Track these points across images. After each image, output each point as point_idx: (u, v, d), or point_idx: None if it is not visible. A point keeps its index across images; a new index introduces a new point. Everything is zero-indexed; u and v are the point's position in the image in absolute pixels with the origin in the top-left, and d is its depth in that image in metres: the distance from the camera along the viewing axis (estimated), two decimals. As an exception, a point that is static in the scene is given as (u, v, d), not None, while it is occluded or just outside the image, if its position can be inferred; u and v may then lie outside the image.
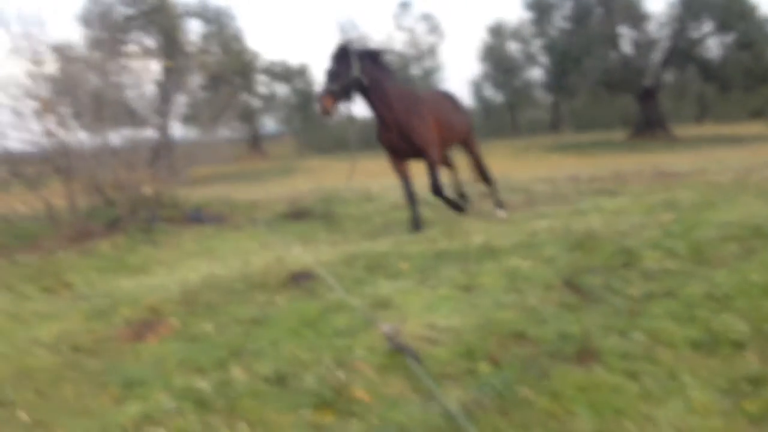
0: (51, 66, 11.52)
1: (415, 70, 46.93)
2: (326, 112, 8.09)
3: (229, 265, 7.56)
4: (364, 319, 4.95)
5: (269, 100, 47.82)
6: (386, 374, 4.05)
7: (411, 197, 8.79)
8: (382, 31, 69.04)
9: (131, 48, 29.29)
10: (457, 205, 9.19)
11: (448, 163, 9.94)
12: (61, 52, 19.79)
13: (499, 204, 9.81)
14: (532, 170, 18.22)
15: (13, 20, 11.10)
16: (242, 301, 5.99)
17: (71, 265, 8.07)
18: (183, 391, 4.07)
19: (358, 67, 8.15)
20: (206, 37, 37.87)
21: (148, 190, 11.50)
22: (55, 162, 10.96)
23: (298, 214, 11.11)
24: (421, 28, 47.68)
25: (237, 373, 4.28)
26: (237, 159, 37.66)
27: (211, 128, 21.55)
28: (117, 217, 10.45)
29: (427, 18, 47.67)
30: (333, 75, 8.07)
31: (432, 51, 47.57)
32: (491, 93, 50.64)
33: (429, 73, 47.33)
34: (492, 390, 3.67)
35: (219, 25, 38.68)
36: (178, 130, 26.21)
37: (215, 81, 32.28)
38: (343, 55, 8.16)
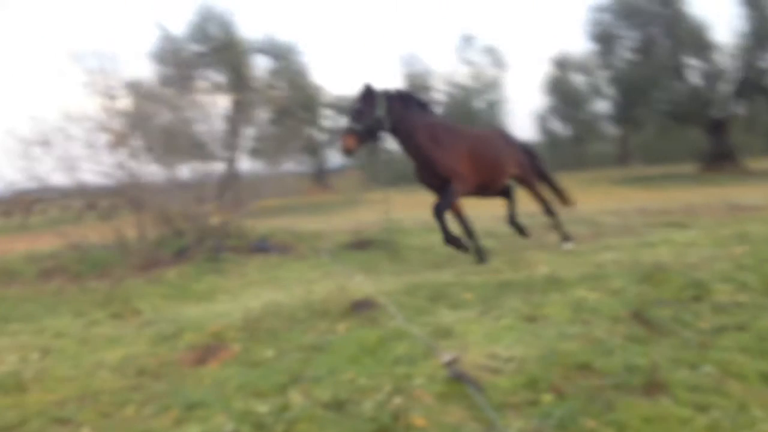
0: (124, 101, 11.90)
1: (478, 103, 46.85)
2: (347, 151, 8.03)
3: (291, 293, 7.61)
4: (425, 347, 4.91)
5: (334, 134, 48.39)
6: (446, 403, 3.99)
7: (469, 232, 8.79)
8: (445, 65, 69.14)
9: (201, 84, 30.08)
10: (457, 241, 8.48)
11: (507, 195, 9.78)
12: (134, 87, 20.47)
13: (566, 237, 9.61)
14: (600, 203, 17.91)
15: (89, 57, 11.48)
16: (303, 328, 6.01)
17: (139, 292, 8.24)
18: (242, 414, 4.08)
19: (384, 107, 8.10)
20: (273, 72, 38.64)
21: (215, 220, 11.71)
22: (127, 194, 11.27)
23: (361, 245, 11.14)
24: (484, 61, 47.64)
25: (296, 398, 4.27)
26: (302, 192, 38.13)
27: (276, 161, 21.94)
28: (185, 247, 10.66)
29: (490, 51, 47.60)
30: (357, 114, 8.03)
31: (495, 84, 47.44)
32: (557, 126, 50.13)
33: (492, 106, 47.17)
34: (555, 421, 3.58)
35: (285, 60, 39.45)
36: (245, 163, 26.82)
37: (281, 115, 32.82)
38: (368, 96, 8.10)
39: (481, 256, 8.67)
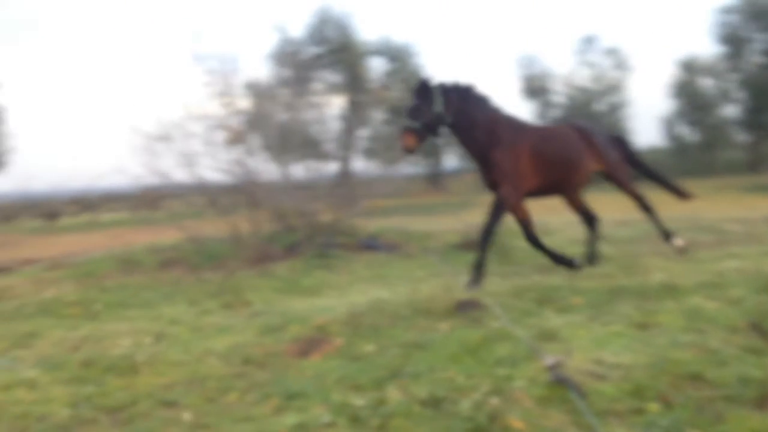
0: (242, 101, 12.26)
1: (599, 106, 45.58)
2: (407, 150, 7.74)
3: (397, 291, 7.62)
4: (528, 349, 4.79)
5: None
6: (546, 406, 3.88)
7: (532, 237, 8.15)
8: (564, 66, 67.72)
9: (317, 85, 30.67)
10: (565, 260, 8.10)
11: (643, 204, 8.93)
12: (253, 88, 21.08)
13: (667, 234, 8.88)
14: (725, 210, 17.06)
15: (210, 58, 11.90)
16: (406, 325, 6.00)
17: (250, 285, 8.46)
18: (339, 407, 4.10)
19: (440, 102, 7.71)
20: (388, 74, 38.96)
21: (326, 218, 11.88)
22: (243, 190, 11.60)
23: (469, 246, 11.01)
24: (606, 63, 46.29)
25: (393, 393, 4.25)
26: (416, 193, 38.19)
27: (390, 162, 22.08)
28: (296, 242, 10.87)
29: (612, 52, 46.22)
30: (413, 111, 7.68)
31: (617, 86, 46.00)
32: (684, 131, 47.98)
33: (614, 109, 45.76)
34: (660, 431, 3.42)
35: (401, 61, 39.70)
36: (358, 162, 27.11)
37: (396, 116, 33.02)
38: (424, 91, 7.73)
39: (562, 261, 8.21)
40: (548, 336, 5.19)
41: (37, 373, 5.09)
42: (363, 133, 31.11)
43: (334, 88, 36.04)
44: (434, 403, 4.07)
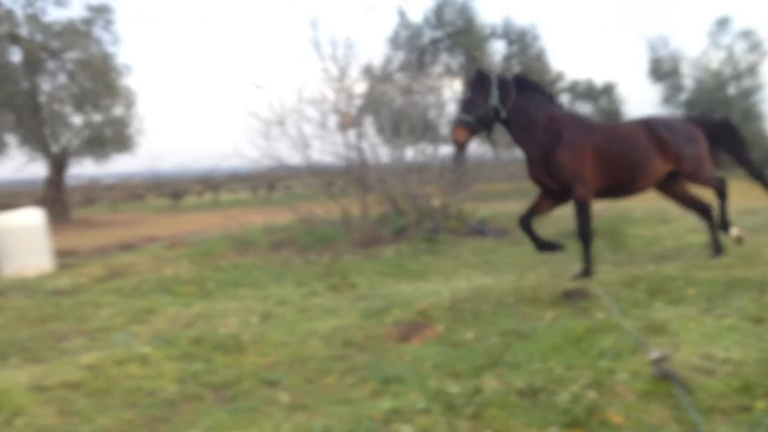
0: (357, 85, 12.36)
1: (731, 90, 43.28)
2: (459, 146, 7.39)
3: (502, 277, 7.53)
4: (634, 342, 4.63)
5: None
6: (648, 401, 3.73)
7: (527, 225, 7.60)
8: (695, 49, 64.69)
9: (435, 69, 30.52)
10: (542, 242, 7.62)
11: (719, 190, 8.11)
12: (370, 72, 21.21)
13: (725, 225, 8.03)
14: None
15: (327, 44, 12.04)
16: (509, 313, 5.93)
17: (357, 268, 8.56)
18: (435, 393, 4.08)
19: (496, 95, 7.21)
20: (509, 57, 38.36)
21: (436, 202, 11.85)
22: (355, 173, 11.73)
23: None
24: (740, 46, 43.83)
25: (490, 382, 4.20)
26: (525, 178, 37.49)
27: (506, 146, 21.75)
28: (404, 226, 10.91)
29: (747, 35, 43.70)
30: (467, 104, 7.21)
31: (752, 70, 43.51)
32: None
33: (747, 94, 43.34)
34: (765, 429, 3.23)
35: (522, 44, 38.97)
36: (473, 146, 26.85)
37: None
38: (480, 83, 7.25)
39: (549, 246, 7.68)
40: (657, 328, 4.99)
41: (149, 349, 5.32)
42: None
43: (452, 72, 35.79)
44: (531, 393, 3.98)
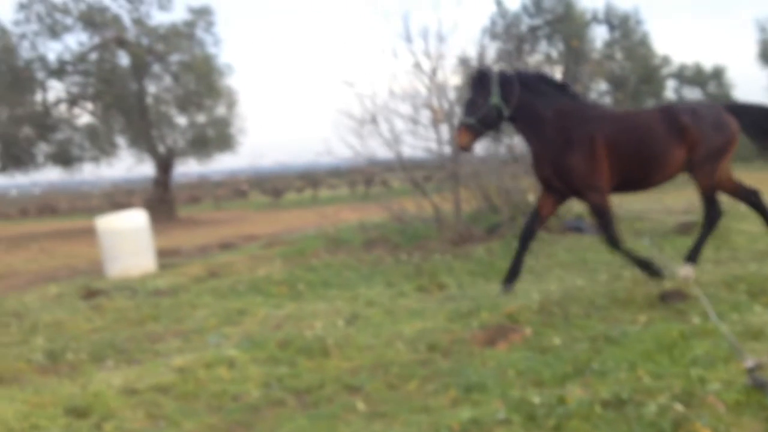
0: (450, 78, 12.23)
1: None
2: (462, 148, 7.13)
3: (596, 278, 7.29)
4: (729, 348, 4.39)
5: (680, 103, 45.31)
6: (740, 413, 3.55)
7: (525, 240, 7.18)
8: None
9: (534, 57, 29.97)
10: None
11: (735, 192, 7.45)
12: (465, 64, 20.94)
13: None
14: None
15: (418, 37, 11.93)
16: (601, 316, 5.75)
17: (447, 267, 8.48)
18: (517, 403, 3.99)
19: (497, 93, 6.82)
20: (610, 43, 37.27)
21: (532, 197, 11.60)
22: (447, 168, 11.61)
23: (686, 228, 10.28)
24: None
25: (575, 391, 4.06)
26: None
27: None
28: (497, 224, 10.73)
29: None
30: (469, 106, 6.90)
31: None
32: None
33: None
34: None
35: (625, 29, 37.79)
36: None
37: (617, 87, 31.60)
38: (480, 82, 6.91)
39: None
40: (755, 333, 4.76)
41: (237, 352, 5.43)
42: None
43: (551, 60, 35.10)
44: (617, 404, 3.84)
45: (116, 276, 10.15)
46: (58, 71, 24.08)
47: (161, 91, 25.09)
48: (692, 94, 45.75)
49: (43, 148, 24.37)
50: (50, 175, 29.50)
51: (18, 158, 23.87)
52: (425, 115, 11.78)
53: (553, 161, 6.86)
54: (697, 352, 4.48)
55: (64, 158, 24.84)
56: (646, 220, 11.78)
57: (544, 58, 35.68)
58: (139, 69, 24.03)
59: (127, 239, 10.46)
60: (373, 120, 11.25)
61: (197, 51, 24.82)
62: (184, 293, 8.34)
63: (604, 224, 6.90)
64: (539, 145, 6.95)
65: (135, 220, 10.83)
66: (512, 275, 7.10)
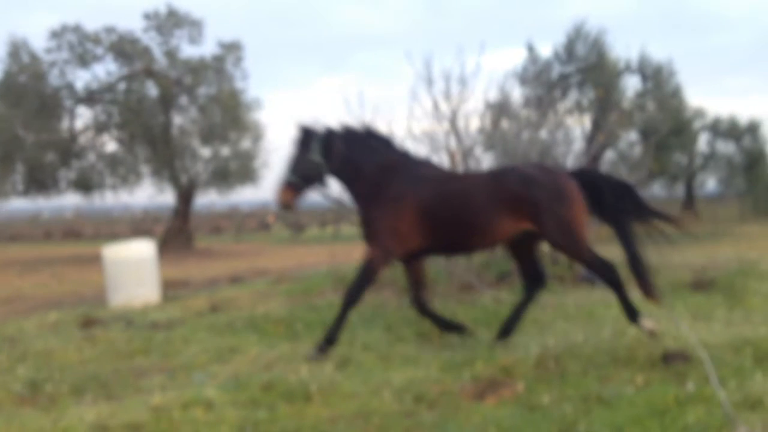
0: (471, 121, 12.10)
1: None
2: (284, 206, 6.97)
3: (600, 333, 7.06)
4: (723, 417, 4.16)
5: (708, 158, 44.87)
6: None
7: (421, 312, 7.13)
8: None
9: (565, 105, 29.91)
10: (446, 322, 7.15)
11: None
12: (492, 107, 20.91)
13: (631, 313, 6.77)
14: None
15: (439, 80, 11.87)
16: (598, 375, 5.56)
17: (451, 314, 8.26)
18: (492, 465, 3.79)
19: (318, 150, 6.80)
20: (642, 93, 37.10)
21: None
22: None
23: (699, 285, 10.01)
24: None
25: (556, 455, 3.86)
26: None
27: (636, 185, 20.81)
28: (507, 271, 10.53)
29: None
30: (292, 162, 6.87)
31: None
32: None
33: None
34: None
35: (657, 80, 37.62)
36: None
37: (647, 137, 31.34)
38: (303, 138, 6.89)
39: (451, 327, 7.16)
40: (753, 403, 4.54)
41: (218, 393, 5.29)
42: (609, 156, 29.86)
43: (581, 108, 35.01)
44: (596, 473, 3.64)
45: (119, 305, 10.10)
46: (86, 99, 24.47)
47: (187, 123, 25.34)
48: (726, 147, 45.39)
49: (65, 174, 24.68)
50: (74, 200, 29.90)
51: (41, 183, 24.22)
52: (442, 158, 11.68)
53: (362, 212, 6.85)
54: (690, 419, 4.28)
55: (85, 185, 25.14)
56: (662, 273, 11.49)
57: (574, 106, 35.58)
58: (167, 100, 24.31)
59: (132, 269, 10.43)
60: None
61: (225, 85, 25.07)
62: (180, 327, 8.22)
63: (360, 280, 6.69)
64: (359, 203, 6.91)
65: (141, 251, 10.81)
66: (456, 328, 7.15)
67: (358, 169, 6.83)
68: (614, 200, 6.76)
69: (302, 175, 6.82)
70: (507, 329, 6.91)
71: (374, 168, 6.80)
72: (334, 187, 7.33)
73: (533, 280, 7.08)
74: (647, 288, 6.75)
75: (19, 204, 33.88)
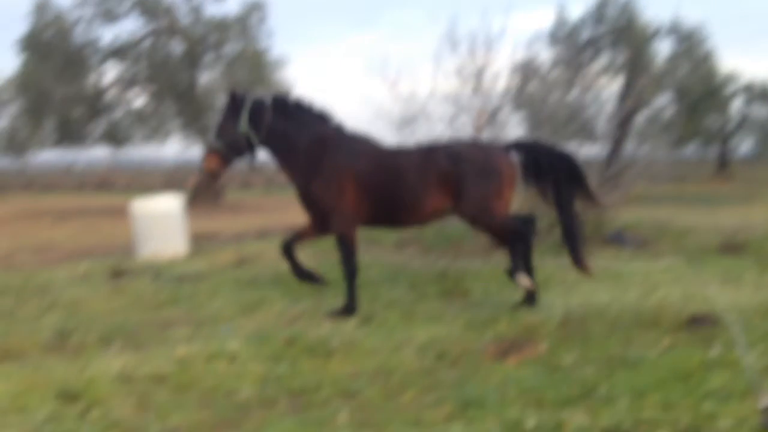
0: (497, 82, 11.92)
1: None
2: (209, 174, 6.96)
3: (626, 295, 7.01)
4: (748, 382, 4.11)
5: (743, 121, 44.04)
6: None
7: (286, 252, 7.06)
8: None
9: (594, 66, 29.38)
10: (302, 271, 7.10)
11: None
12: (521, 68, 20.54)
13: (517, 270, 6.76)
14: None
15: (464, 40, 11.65)
16: (622, 337, 5.51)
17: (475, 273, 8.26)
18: (510, 424, 3.81)
19: (246, 120, 6.67)
20: (674, 57, 36.32)
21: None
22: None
23: (730, 248, 9.88)
24: None
25: (575, 417, 3.87)
26: (697, 180, 35.39)
27: (666, 147, 20.46)
28: (536, 230, 10.42)
29: None
30: (218, 129, 6.80)
31: None
32: None
33: None
34: None
35: (690, 43, 36.77)
36: (631, 146, 25.48)
37: (680, 99, 30.76)
38: (232, 107, 6.77)
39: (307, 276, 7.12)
40: (781, 368, 4.45)
41: (241, 346, 5.33)
42: (641, 117, 29.37)
43: (612, 69, 34.38)
44: (617, 435, 3.62)
45: (147, 258, 10.19)
46: (111, 56, 24.48)
47: (212, 81, 25.22)
48: (761, 110, 44.51)
49: (95, 127, 24.83)
50: (105, 152, 30.12)
51: (71, 135, 24.41)
52: (467, 119, 11.54)
53: (304, 190, 6.77)
54: (714, 384, 4.23)
55: (114, 138, 25.31)
56: (691, 236, 11.38)
57: (605, 68, 34.90)
58: (192, 58, 24.24)
59: (160, 223, 10.49)
60: (411, 122, 11.05)
61: (249, 43, 24.93)
62: (207, 280, 8.30)
63: (343, 253, 6.75)
64: (294, 174, 6.84)
65: (169, 205, 10.87)
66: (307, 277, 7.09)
67: (291, 142, 6.78)
68: (552, 172, 6.78)
69: (228, 143, 6.76)
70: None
71: (309, 141, 6.74)
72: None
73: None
74: (579, 259, 6.79)
75: (54, 155, 34.24)
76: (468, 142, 7.30)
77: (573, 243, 6.79)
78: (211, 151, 6.84)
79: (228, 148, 6.77)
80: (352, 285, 6.67)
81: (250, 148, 6.85)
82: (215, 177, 7.08)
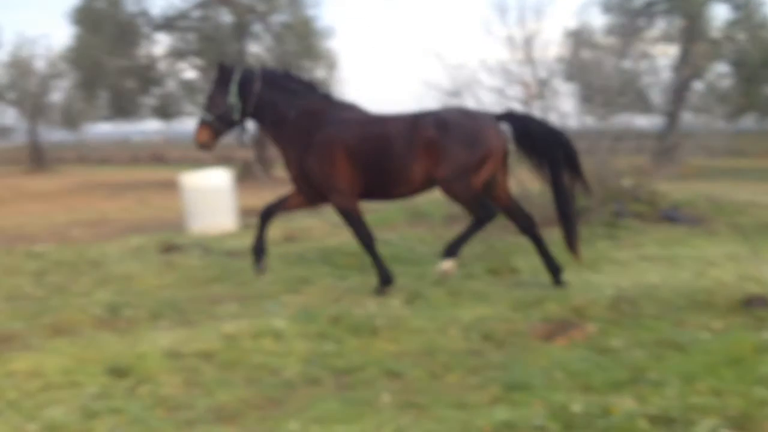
0: (546, 52, 11.67)
1: None
2: (201, 146, 6.76)
3: (678, 275, 6.84)
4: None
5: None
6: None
7: (263, 219, 6.89)
8: None
9: (650, 34, 28.67)
10: (260, 244, 6.91)
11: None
12: (573, 36, 20.15)
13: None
14: None
15: (512, 10, 11.41)
16: (674, 319, 5.37)
17: (524, 250, 8.12)
18: (557, 409, 3.74)
19: (235, 92, 6.59)
20: (732, 23, 35.20)
21: (627, 182, 11.03)
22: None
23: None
24: None
25: (624, 402, 3.79)
26: (759, 154, 34.37)
27: (724, 119, 19.90)
28: (585, 207, 10.22)
29: None
30: (209, 102, 6.72)
31: None
32: None
33: None
34: None
35: (748, 9, 35.56)
36: (687, 119, 24.88)
37: (737, 69, 29.84)
38: (221, 78, 6.70)
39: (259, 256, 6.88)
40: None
41: (288, 324, 5.35)
42: (698, 87, 28.61)
43: (669, 38, 33.46)
44: (665, 422, 3.56)
45: (197, 232, 10.32)
46: (163, 26, 24.73)
47: (262, 52, 25.32)
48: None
49: (146, 100, 25.17)
50: (156, 125, 30.50)
51: (124, 108, 24.82)
52: (516, 91, 11.33)
53: (296, 163, 6.66)
54: (766, 369, 4.10)
55: (165, 111, 25.66)
56: (748, 213, 11.06)
57: (661, 35, 34.00)
58: (241, 28, 24.35)
59: (209, 198, 10.62)
60: (458, 94, 10.88)
61: (298, 12, 24.92)
62: (255, 256, 8.35)
63: (353, 227, 6.70)
64: (284, 146, 6.74)
65: (218, 180, 10.98)
66: (257, 252, 6.88)
67: (280, 113, 6.70)
68: (546, 148, 6.61)
69: (219, 115, 6.71)
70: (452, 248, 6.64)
71: (299, 113, 6.66)
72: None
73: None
74: (572, 242, 6.71)
75: (108, 128, 34.79)
76: (457, 110, 7.11)
77: (567, 225, 6.71)
78: (201, 124, 6.79)
79: (218, 121, 6.74)
80: (374, 255, 6.67)
81: (239, 119, 6.82)
82: (208, 149, 6.97)
